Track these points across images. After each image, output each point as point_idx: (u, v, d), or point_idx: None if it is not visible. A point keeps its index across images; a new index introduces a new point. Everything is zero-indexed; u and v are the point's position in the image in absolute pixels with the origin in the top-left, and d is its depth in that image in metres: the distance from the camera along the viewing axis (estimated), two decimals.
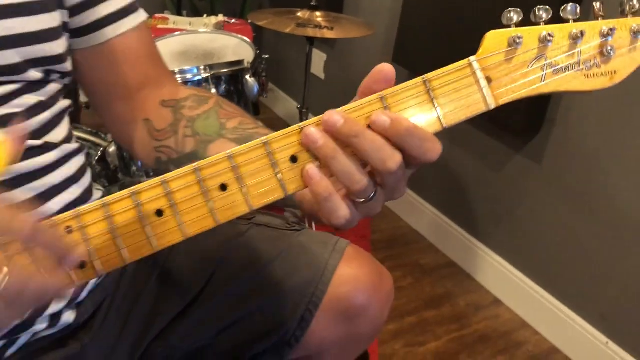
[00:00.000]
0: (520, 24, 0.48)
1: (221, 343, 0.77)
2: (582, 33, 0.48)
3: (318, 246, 0.77)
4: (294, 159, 0.46)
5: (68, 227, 0.45)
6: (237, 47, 1.66)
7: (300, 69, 1.75)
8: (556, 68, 0.49)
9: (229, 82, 1.33)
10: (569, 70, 0.49)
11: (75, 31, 0.69)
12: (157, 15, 2.13)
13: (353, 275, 0.75)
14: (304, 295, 0.74)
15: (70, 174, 0.67)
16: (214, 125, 0.65)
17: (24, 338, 0.65)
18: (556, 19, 0.49)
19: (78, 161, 0.70)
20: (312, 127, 0.46)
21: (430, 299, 1.76)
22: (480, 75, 0.48)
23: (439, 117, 0.47)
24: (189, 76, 1.30)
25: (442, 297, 1.77)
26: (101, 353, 0.74)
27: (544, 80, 0.49)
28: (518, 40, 0.47)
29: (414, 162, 0.46)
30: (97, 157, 1.36)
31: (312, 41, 1.65)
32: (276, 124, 2.74)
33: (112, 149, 1.33)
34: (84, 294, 0.72)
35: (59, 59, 0.64)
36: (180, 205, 0.46)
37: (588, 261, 1.51)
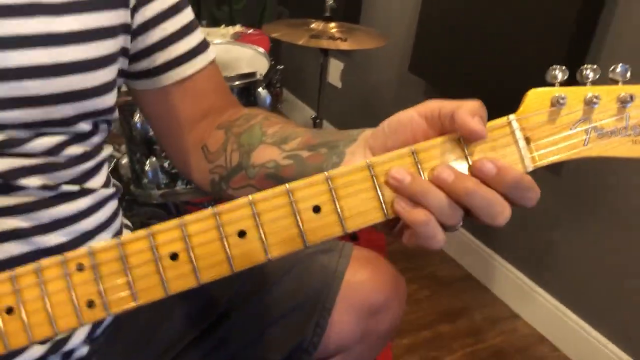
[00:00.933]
0: (565, 83, 0.46)
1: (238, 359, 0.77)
2: (631, 97, 0.46)
3: (326, 255, 0.79)
4: (316, 209, 0.45)
5: (80, 264, 0.44)
6: (252, 58, 1.65)
7: (317, 78, 1.75)
8: (601, 132, 0.46)
9: (240, 94, 1.33)
10: (615, 135, 0.46)
11: (139, 74, 0.68)
12: None
13: (367, 276, 0.77)
14: (316, 302, 0.75)
15: (102, 220, 0.67)
16: (257, 135, 0.63)
17: None
18: (603, 80, 0.47)
19: (112, 206, 0.70)
20: (395, 167, 0.44)
21: (447, 312, 1.72)
22: (519, 135, 0.46)
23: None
24: None
25: (458, 310, 1.74)
26: None
27: (587, 144, 0.46)
28: (562, 101, 0.45)
29: None
30: (109, 169, 1.37)
31: (326, 52, 1.64)
32: None
33: (124, 160, 1.34)
34: (99, 330, 0.71)
35: (110, 110, 0.64)
36: (197, 250, 0.45)
37: (611, 276, 1.47)
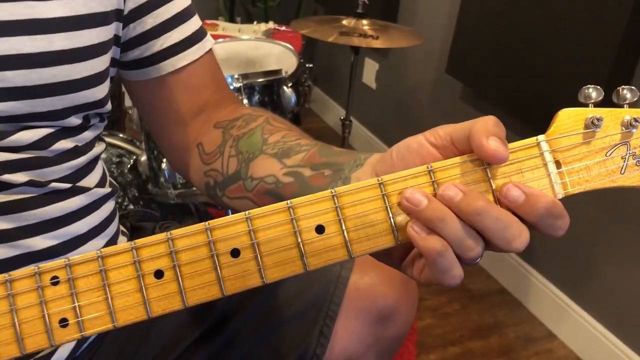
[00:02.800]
0: (599, 105, 0.42)
1: None
2: None
3: None
4: (320, 229, 0.41)
5: (55, 276, 0.40)
6: (281, 56, 1.61)
7: (348, 77, 1.69)
8: None
9: (263, 92, 1.27)
10: None
11: (131, 63, 0.65)
12: (207, 21, 2.11)
13: (374, 279, 0.72)
14: (320, 310, 0.71)
15: (96, 223, 0.63)
16: (257, 142, 0.60)
17: None
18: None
19: (108, 207, 0.66)
20: (410, 189, 0.41)
21: (477, 328, 1.64)
22: (548, 157, 0.42)
23: (496, 200, 0.42)
24: None
25: (490, 326, 1.65)
26: None
27: (623, 172, 0.42)
28: (597, 123, 0.41)
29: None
30: (129, 166, 1.33)
31: (357, 50, 1.57)
32: (325, 132, 2.68)
33: (143, 157, 1.30)
34: (84, 346, 0.67)
35: (100, 103, 0.60)
36: (184, 268, 0.40)
37: None
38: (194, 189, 1.23)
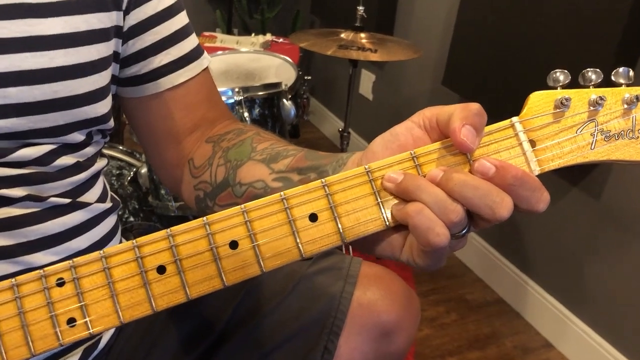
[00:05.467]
0: (567, 87, 0.45)
1: None
2: (637, 98, 0.44)
3: (331, 273, 0.74)
4: (313, 217, 0.43)
5: (60, 278, 0.41)
6: (279, 68, 1.62)
7: (347, 89, 1.70)
8: (608, 135, 0.45)
9: (264, 105, 1.28)
10: (622, 138, 0.45)
11: (129, 80, 0.65)
12: (205, 33, 2.12)
13: (377, 294, 0.72)
14: (324, 326, 0.70)
15: (97, 239, 0.63)
16: (246, 151, 0.61)
17: None
18: (607, 83, 0.45)
19: (109, 222, 0.66)
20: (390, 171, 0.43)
21: (475, 338, 1.64)
22: (523, 137, 0.45)
23: None
24: (222, 98, 1.26)
25: (487, 336, 1.66)
26: None
27: (593, 148, 0.45)
28: (566, 102, 0.44)
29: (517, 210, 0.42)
30: (129, 178, 1.34)
31: (355, 63, 1.58)
32: (321, 143, 2.69)
33: (143, 170, 1.30)
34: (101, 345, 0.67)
35: (103, 119, 0.60)
36: (185, 262, 0.42)
37: None
38: None
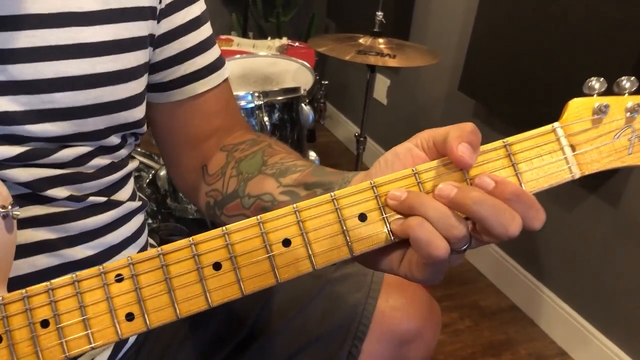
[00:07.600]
0: (602, 94, 0.47)
1: None
2: None
3: (356, 280, 0.75)
4: (362, 217, 0.44)
5: (119, 274, 0.43)
6: (297, 72, 1.62)
7: (363, 94, 1.70)
8: None
9: (283, 110, 1.29)
10: None
11: (153, 86, 0.67)
12: (221, 36, 2.13)
13: (400, 302, 0.73)
14: (349, 331, 0.72)
15: (129, 234, 0.66)
16: (257, 164, 0.63)
17: None
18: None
19: (138, 219, 0.69)
20: (393, 189, 0.44)
21: (489, 345, 1.64)
22: (564, 142, 0.46)
23: (520, 184, 0.45)
24: (242, 103, 1.27)
25: (501, 343, 1.65)
26: None
27: (631, 152, 0.47)
28: (604, 109, 0.46)
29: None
30: (148, 180, 1.35)
31: (373, 68, 1.59)
32: (335, 147, 2.70)
33: (162, 172, 1.31)
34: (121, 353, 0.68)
35: (139, 123, 0.63)
36: (240, 259, 0.43)
37: None
38: None
